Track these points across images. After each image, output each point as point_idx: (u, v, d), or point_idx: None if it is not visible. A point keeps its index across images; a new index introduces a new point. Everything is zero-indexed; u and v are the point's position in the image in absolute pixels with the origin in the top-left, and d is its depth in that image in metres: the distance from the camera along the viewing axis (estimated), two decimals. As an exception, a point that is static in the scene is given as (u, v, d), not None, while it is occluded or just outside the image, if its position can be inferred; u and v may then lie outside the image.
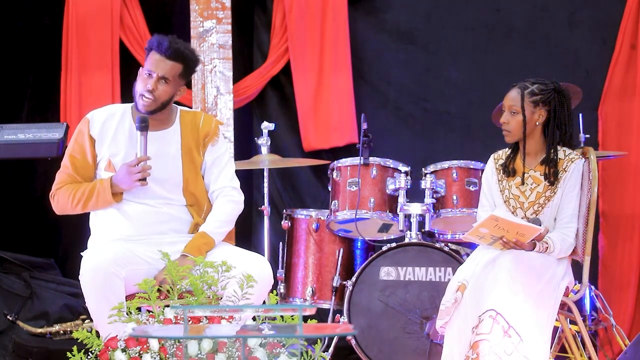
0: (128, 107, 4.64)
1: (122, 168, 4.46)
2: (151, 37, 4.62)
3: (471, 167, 5.68)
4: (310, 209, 5.96)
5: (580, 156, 4.79)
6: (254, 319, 3.91)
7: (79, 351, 3.88)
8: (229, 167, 4.69)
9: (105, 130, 4.56)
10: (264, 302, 4.44)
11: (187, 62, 4.55)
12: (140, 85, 4.52)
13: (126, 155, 4.52)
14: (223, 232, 4.60)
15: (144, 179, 4.45)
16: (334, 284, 5.75)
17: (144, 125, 4.45)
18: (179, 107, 4.70)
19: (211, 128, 4.65)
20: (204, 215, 4.61)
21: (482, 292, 4.51)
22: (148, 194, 4.53)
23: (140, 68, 4.59)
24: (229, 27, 6.47)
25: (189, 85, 6.47)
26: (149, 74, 4.51)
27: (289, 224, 5.90)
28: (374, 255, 5.54)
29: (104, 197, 4.49)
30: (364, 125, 5.70)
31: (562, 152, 4.80)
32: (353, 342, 5.50)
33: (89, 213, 4.63)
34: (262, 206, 5.98)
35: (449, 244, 5.60)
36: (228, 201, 4.64)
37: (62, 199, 4.58)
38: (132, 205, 4.53)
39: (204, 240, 4.52)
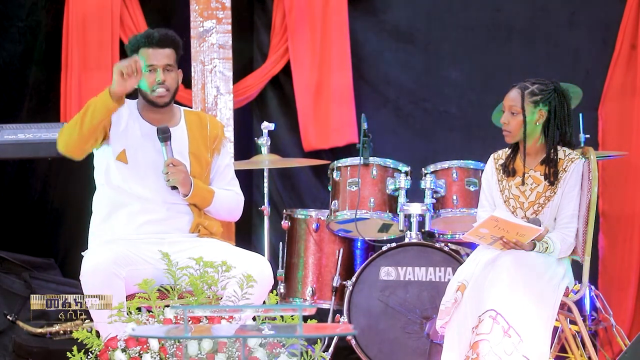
0: (132, 103, 4.63)
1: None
2: (131, 38, 4.63)
3: (471, 167, 5.68)
4: (310, 209, 5.96)
5: (580, 156, 4.79)
6: (254, 319, 3.91)
7: (79, 351, 3.88)
8: (231, 174, 4.73)
9: (120, 114, 4.53)
10: (264, 302, 4.44)
11: (178, 45, 4.58)
12: (146, 82, 4.51)
13: (134, 149, 4.51)
14: (220, 198, 4.61)
15: (174, 186, 4.49)
16: (334, 284, 5.74)
17: (166, 136, 4.48)
18: (182, 107, 4.71)
19: (219, 131, 4.68)
20: (204, 215, 4.61)
21: (482, 292, 4.51)
22: (152, 191, 4.53)
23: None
24: (229, 27, 6.46)
25: (187, 84, 6.53)
26: (151, 69, 4.50)
27: (289, 224, 5.90)
28: (374, 255, 5.54)
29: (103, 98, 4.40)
30: (364, 125, 5.70)
31: (562, 152, 4.79)
32: (353, 342, 5.50)
33: (90, 214, 4.62)
34: (262, 206, 5.98)
35: (449, 244, 5.60)
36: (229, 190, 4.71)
37: (66, 126, 4.50)
38: (133, 204, 4.52)
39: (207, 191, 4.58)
